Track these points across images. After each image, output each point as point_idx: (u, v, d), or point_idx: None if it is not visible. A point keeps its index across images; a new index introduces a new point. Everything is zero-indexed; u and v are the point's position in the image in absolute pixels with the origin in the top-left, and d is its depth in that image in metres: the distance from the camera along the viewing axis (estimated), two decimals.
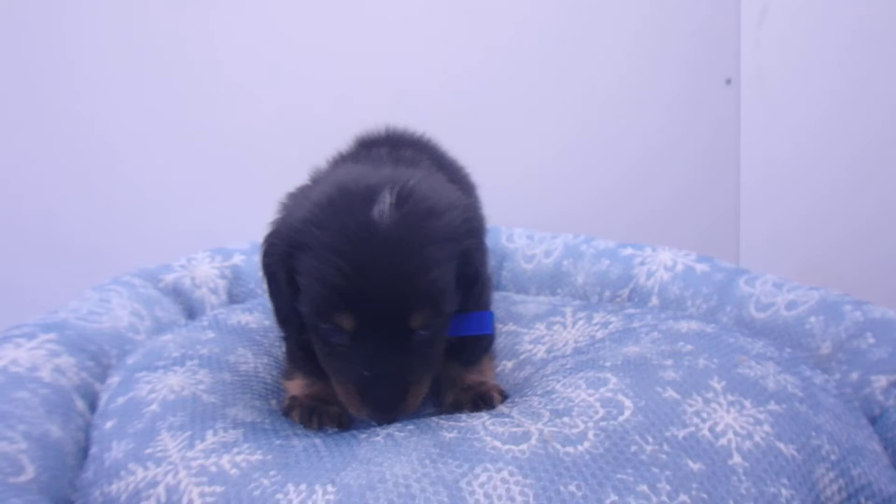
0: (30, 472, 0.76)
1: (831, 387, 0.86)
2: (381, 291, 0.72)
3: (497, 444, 0.71)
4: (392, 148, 1.02)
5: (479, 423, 0.75)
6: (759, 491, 0.67)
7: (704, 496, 0.66)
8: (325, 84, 1.70)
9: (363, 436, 0.75)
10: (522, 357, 1.01)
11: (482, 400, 0.89)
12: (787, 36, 1.58)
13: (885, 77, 1.50)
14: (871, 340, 0.94)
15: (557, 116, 1.77)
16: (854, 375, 0.92)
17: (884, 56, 1.49)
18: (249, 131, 1.68)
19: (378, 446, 0.72)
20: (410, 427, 0.76)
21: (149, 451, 0.75)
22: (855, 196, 1.59)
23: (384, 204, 0.74)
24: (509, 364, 1.01)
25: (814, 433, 0.74)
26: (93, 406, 0.94)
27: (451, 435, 0.73)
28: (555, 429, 0.73)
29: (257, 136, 1.68)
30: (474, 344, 0.94)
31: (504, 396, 0.93)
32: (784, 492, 0.68)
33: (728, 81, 1.69)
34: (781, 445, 0.72)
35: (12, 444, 0.77)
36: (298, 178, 0.94)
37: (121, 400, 0.86)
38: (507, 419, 0.76)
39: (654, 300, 1.17)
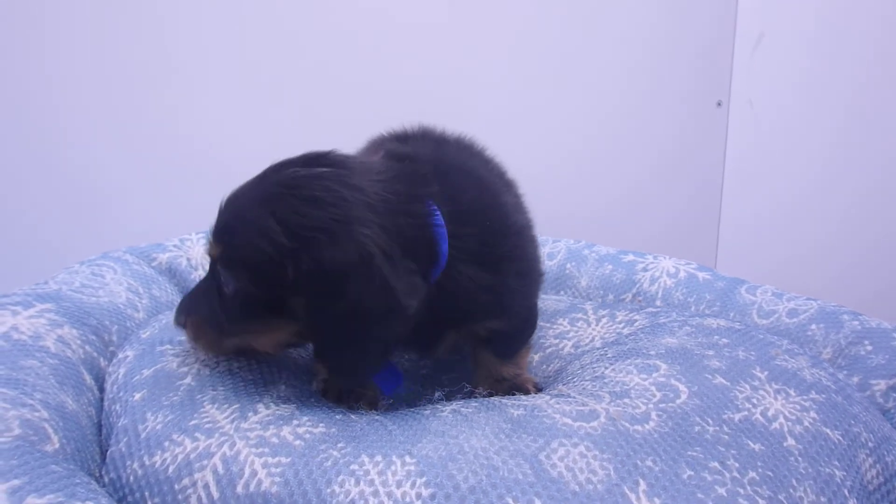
0: (55, 441, 0.70)
1: (852, 384, 0.91)
2: (220, 206, 0.78)
3: (567, 420, 0.70)
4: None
5: (544, 402, 0.75)
6: (816, 471, 0.69)
7: (769, 474, 0.67)
8: (320, 77, 1.69)
9: (427, 411, 0.73)
10: (549, 351, 1.01)
11: (518, 391, 0.89)
12: (778, 64, 1.69)
13: (870, 108, 1.61)
14: (869, 347, 1.00)
15: (557, 129, 1.83)
16: (855, 379, 0.97)
17: (871, 89, 1.61)
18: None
19: (448, 420, 0.70)
20: (475, 404, 0.75)
21: (194, 422, 0.70)
22: (835, 221, 1.70)
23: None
24: (536, 357, 1.01)
25: (853, 421, 0.78)
26: (98, 382, 0.88)
27: (519, 412, 0.72)
28: (619, 408, 0.73)
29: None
30: (512, 338, 0.93)
31: (538, 390, 0.92)
32: (837, 472, 0.70)
33: (719, 104, 1.78)
34: (828, 431, 0.75)
35: (34, 411, 0.70)
36: None
37: (146, 372, 0.81)
38: (570, 399, 0.76)
39: (659, 304, 1.20)
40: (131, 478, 0.68)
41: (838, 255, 1.70)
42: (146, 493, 0.66)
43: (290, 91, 1.71)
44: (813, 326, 1.07)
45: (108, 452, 0.72)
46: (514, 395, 0.86)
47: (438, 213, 0.78)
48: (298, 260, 0.69)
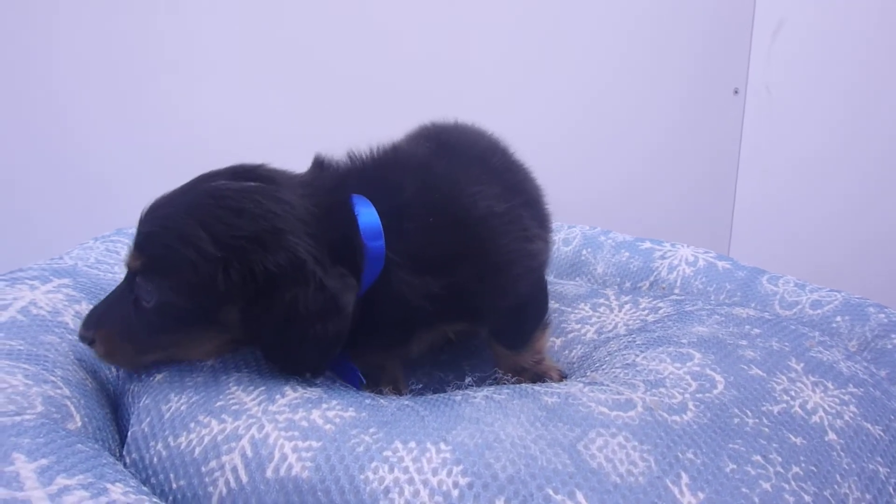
0: (77, 420, 0.67)
1: (885, 377, 0.89)
2: (140, 216, 0.75)
3: (604, 409, 0.68)
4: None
5: (577, 390, 0.72)
6: (860, 467, 0.68)
7: (813, 469, 0.66)
8: (320, 65, 1.67)
9: (458, 397, 0.71)
10: (570, 336, 0.99)
11: (541, 380, 0.87)
12: (798, 52, 1.66)
13: (889, 96, 1.59)
14: None
15: (573, 115, 1.80)
16: (883, 373, 0.95)
17: (891, 78, 1.58)
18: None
19: (481, 407, 0.68)
20: (507, 391, 0.73)
21: (219, 403, 0.68)
22: (847, 212, 1.68)
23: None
24: (558, 341, 0.99)
25: (893, 416, 0.76)
26: None
27: (553, 400, 0.70)
28: (655, 398, 0.71)
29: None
30: (515, 330, 0.91)
31: (563, 377, 0.91)
32: (881, 469, 0.69)
33: (735, 91, 1.76)
34: (869, 426, 0.73)
35: (56, 388, 0.68)
36: None
37: None
38: (604, 387, 0.74)
39: (677, 293, 1.18)
40: (155, 459, 0.66)
41: (853, 245, 1.69)
42: (171, 475, 0.64)
43: (292, 79, 1.70)
44: (838, 318, 1.05)
45: (130, 433, 0.70)
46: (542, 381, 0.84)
47: (367, 216, 0.76)
48: (228, 268, 0.69)
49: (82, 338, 0.75)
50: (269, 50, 1.66)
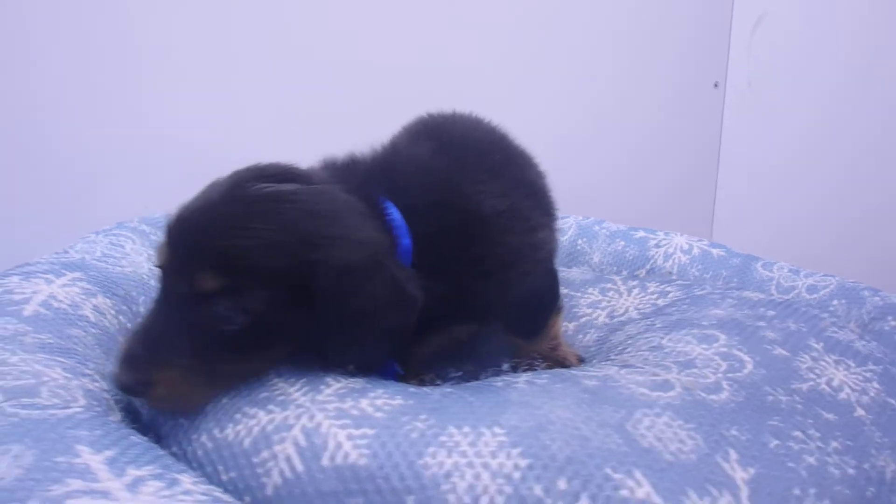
0: (116, 413, 0.66)
1: None
2: (185, 232, 0.67)
3: (644, 391, 0.70)
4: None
5: (614, 372, 0.74)
6: (892, 441, 0.71)
7: (850, 443, 0.68)
8: (308, 60, 1.66)
9: (499, 383, 0.71)
10: (583, 320, 1.01)
11: (560, 366, 0.88)
12: (779, 45, 1.71)
13: (873, 94, 1.65)
14: (893, 323, 1.02)
15: (551, 110, 1.82)
16: None
17: (874, 73, 1.64)
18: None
19: (526, 391, 0.69)
20: (546, 375, 0.73)
21: (264, 395, 0.67)
22: (827, 203, 1.74)
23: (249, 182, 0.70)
24: (571, 326, 1.00)
25: None
26: None
27: (593, 383, 0.71)
28: (691, 378, 0.73)
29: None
30: (530, 319, 0.91)
31: (581, 361, 0.92)
32: None
33: (716, 85, 1.80)
34: (893, 401, 0.76)
35: (94, 381, 0.66)
36: None
37: None
38: (638, 369, 0.75)
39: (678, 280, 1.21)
40: (199, 451, 0.64)
41: (832, 235, 1.75)
42: (219, 468, 0.63)
43: (287, 77, 1.67)
44: (835, 302, 1.09)
45: (169, 425, 0.68)
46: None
47: (396, 213, 0.76)
48: (320, 271, 0.67)
49: (128, 387, 0.64)
50: (262, 44, 1.63)
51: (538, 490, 0.57)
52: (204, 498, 0.50)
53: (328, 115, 1.63)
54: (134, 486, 0.48)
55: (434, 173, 0.83)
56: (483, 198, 0.82)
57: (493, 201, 0.82)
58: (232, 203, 0.68)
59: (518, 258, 0.84)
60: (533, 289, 0.87)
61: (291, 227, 0.67)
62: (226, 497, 0.53)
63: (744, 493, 0.58)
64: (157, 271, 0.68)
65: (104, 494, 0.46)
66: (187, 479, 0.52)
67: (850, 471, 0.64)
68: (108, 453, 0.51)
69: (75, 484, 0.47)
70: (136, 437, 0.57)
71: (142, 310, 0.90)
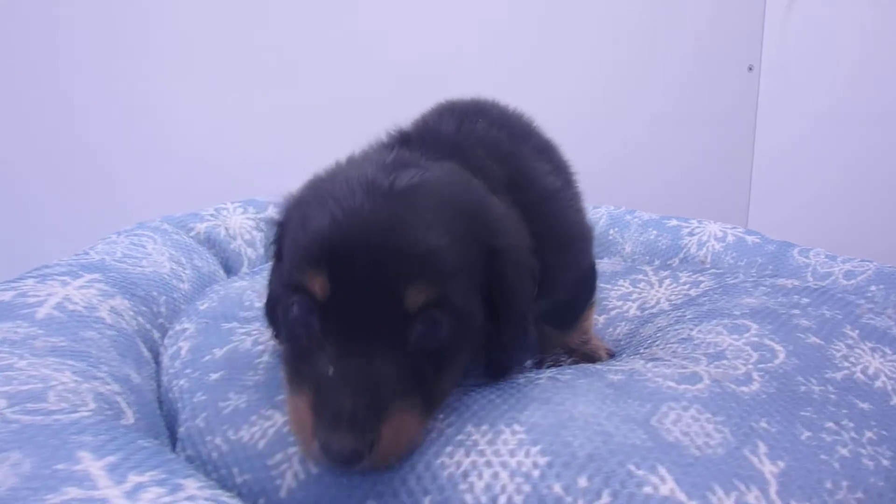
0: (130, 416, 0.66)
1: None
2: (369, 242, 0.54)
3: (671, 384, 0.67)
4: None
5: (640, 366, 0.71)
6: None
7: (885, 433, 0.65)
8: (322, 56, 1.66)
9: (521, 380, 0.70)
10: (613, 313, 0.98)
11: (589, 361, 0.86)
12: (812, 28, 1.65)
13: None
14: None
15: (585, 94, 1.79)
16: None
17: None
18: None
19: (548, 388, 0.67)
20: (570, 371, 0.71)
21: (282, 397, 0.66)
22: (862, 188, 1.68)
23: (391, 169, 0.61)
24: (601, 319, 0.98)
25: None
26: (154, 355, 0.83)
27: (618, 377, 0.69)
28: (720, 370, 0.70)
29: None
30: (567, 308, 0.89)
31: (611, 355, 0.89)
32: None
33: (750, 68, 1.75)
34: None
35: (105, 384, 0.66)
36: None
37: (219, 352, 0.76)
38: (666, 362, 0.73)
39: (712, 268, 1.18)
40: (213, 454, 0.64)
41: (871, 220, 1.69)
42: (234, 470, 0.62)
43: (298, 80, 1.68)
44: (873, 287, 1.05)
45: (184, 427, 0.68)
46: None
47: None
48: (501, 257, 0.62)
49: (358, 453, 0.51)
50: (281, 48, 1.64)
51: (558, 488, 0.55)
52: (208, 503, 0.50)
53: (350, 115, 1.62)
54: (133, 492, 0.48)
55: (499, 146, 0.79)
56: (542, 174, 0.79)
57: (551, 178, 0.80)
58: (402, 199, 0.57)
59: (574, 238, 0.82)
60: (582, 272, 0.85)
61: (467, 215, 0.60)
62: (232, 502, 0.53)
63: (773, 487, 0.56)
64: (315, 307, 0.56)
65: (101, 502, 0.46)
66: (192, 484, 0.52)
67: (885, 462, 0.61)
68: (111, 459, 0.51)
69: (72, 492, 0.46)
70: (144, 441, 0.57)
71: (163, 310, 0.90)
